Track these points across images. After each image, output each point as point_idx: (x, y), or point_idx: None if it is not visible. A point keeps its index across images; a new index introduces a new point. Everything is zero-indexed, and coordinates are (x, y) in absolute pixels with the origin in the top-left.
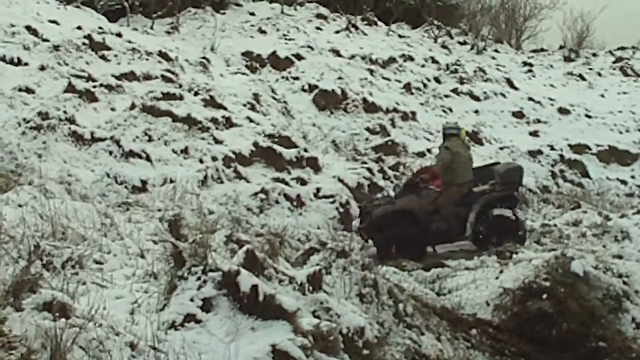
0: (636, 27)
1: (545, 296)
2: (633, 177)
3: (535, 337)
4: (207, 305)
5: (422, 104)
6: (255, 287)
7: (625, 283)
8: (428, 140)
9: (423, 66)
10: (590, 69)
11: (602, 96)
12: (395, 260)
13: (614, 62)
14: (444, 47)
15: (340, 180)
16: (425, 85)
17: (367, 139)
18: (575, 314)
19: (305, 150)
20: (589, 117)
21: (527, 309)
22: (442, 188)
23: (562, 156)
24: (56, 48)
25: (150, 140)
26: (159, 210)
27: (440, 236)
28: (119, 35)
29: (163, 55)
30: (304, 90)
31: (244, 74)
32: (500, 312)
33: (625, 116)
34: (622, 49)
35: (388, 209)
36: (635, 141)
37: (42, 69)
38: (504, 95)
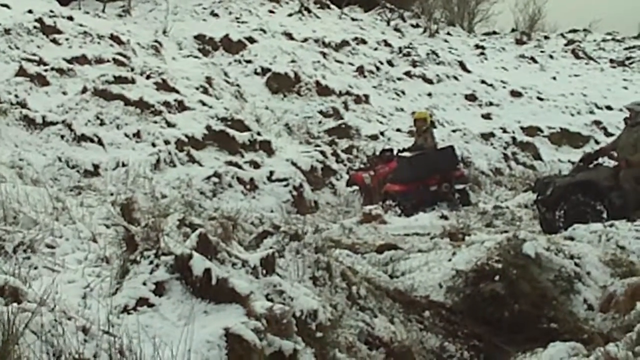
0: (588, 9)
1: (497, 278)
2: None
3: (488, 318)
4: (160, 289)
5: (374, 87)
6: (207, 271)
7: (576, 264)
8: (381, 122)
9: (376, 49)
10: (542, 52)
11: (554, 78)
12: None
13: (566, 45)
14: (397, 30)
15: (293, 164)
16: (377, 68)
17: (320, 122)
18: (527, 296)
19: (258, 134)
20: (540, 99)
21: (479, 291)
22: (623, 165)
23: (514, 138)
24: (7, 31)
25: (102, 123)
26: (111, 194)
27: (618, 210)
28: (70, 18)
29: (115, 39)
30: (256, 73)
31: (196, 57)
32: (452, 293)
33: (576, 98)
34: (574, 31)
35: (570, 180)
36: (587, 123)
37: None
38: (456, 78)
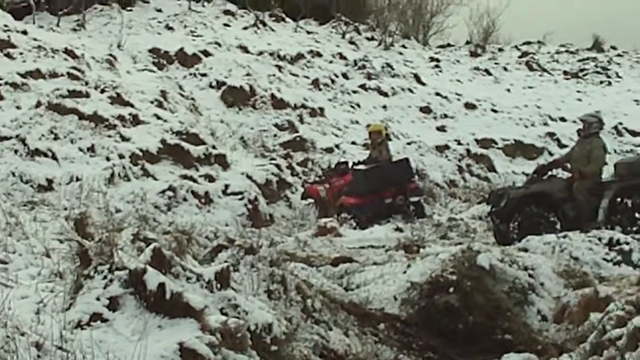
0: (541, 21)
1: (451, 289)
2: None
3: (442, 330)
4: (114, 304)
5: (330, 100)
6: (162, 285)
7: (530, 275)
8: (336, 135)
9: (331, 62)
10: (496, 64)
11: (508, 90)
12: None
13: (520, 57)
14: (352, 42)
15: (249, 177)
16: (333, 81)
17: (275, 135)
18: (481, 307)
19: (213, 147)
20: (494, 111)
21: (434, 303)
22: (576, 177)
23: (468, 150)
24: None
25: (56, 138)
26: (65, 209)
27: (572, 221)
28: (24, 32)
29: (69, 53)
30: (211, 86)
31: (150, 70)
32: (407, 306)
33: (530, 110)
34: (528, 43)
35: (524, 192)
36: (541, 135)
37: None
38: (411, 91)
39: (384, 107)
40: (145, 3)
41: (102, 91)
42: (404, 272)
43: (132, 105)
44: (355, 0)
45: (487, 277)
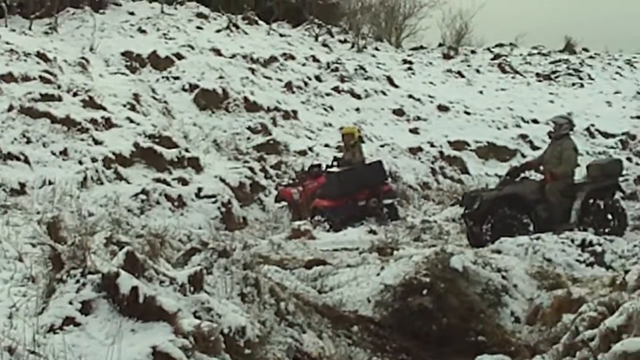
0: (514, 23)
1: (425, 292)
2: None
3: (416, 332)
4: (87, 308)
5: (303, 102)
6: (135, 289)
7: (503, 277)
8: (309, 138)
9: (304, 64)
10: (469, 66)
11: (481, 93)
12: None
13: (492, 59)
14: (325, 45)
15: (222, 180)
16: (306, 84)
17: (248, 138)
18: (455, 309)
19: (186, 150)
20: (467, 113)
21: (408, 305)
22: (549, 178)
23: (441, 152)
24: None
25: (29, 142)
26: (38, 213)
27: (544, 223)
28: None
29: (41, 56)
30: (184, 89)
31: (123, 73)
32: (381, 308)
33: (503, 112)
34: (500, 45)
35: (497, 193)
36: (513, 137)
37: None
38: (384, 93)
39: (357, 109)
40: (117, 6)
41: (75, 94)
42: (378, 275)
43: (104, 109)
44: (328, 3)
45: (460, 279)
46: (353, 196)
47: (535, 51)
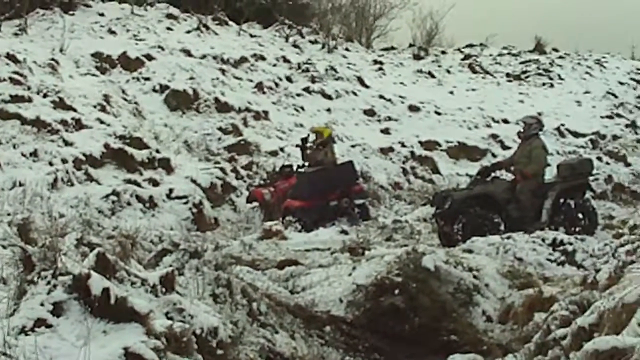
0: (484, 23)
1: (397, 291)
2: None
3: (388, 331)
4: (58, 309)
5: (274, 103)
6: (106, 290)
7: (475, 277)
8: (280, 139)
9: (274, 65)
10: (439, 66)
11: (451, 93)
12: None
13: (463, 59)
14: (295, 46)
15: (193, 181)
16: (276, 84)
17: (219, 139)
18: (427, 308)
19: (157, 151)
20: (438, 113)
21: (380, 305)
22: (519, 178)
23: (412, 152)
24: None
25: None
26: (8, 214)
27: (515, 222)
28: None
29: (10, 57)
30: (154, 90)
31: (93, 74)
32: (353, 308)
33: (473, 112)
34: (471, 46)
35: (468, 193)
36: (484, 137)
37: None
38: (355, 93)
39: (328, 110)
40: (87, 7)
41: (45, 96)
42: (350, 275)
43: (75, 110)
44: (298, 4)
45: (432, 278)
46: (324, 196)
47: (505, 51)
